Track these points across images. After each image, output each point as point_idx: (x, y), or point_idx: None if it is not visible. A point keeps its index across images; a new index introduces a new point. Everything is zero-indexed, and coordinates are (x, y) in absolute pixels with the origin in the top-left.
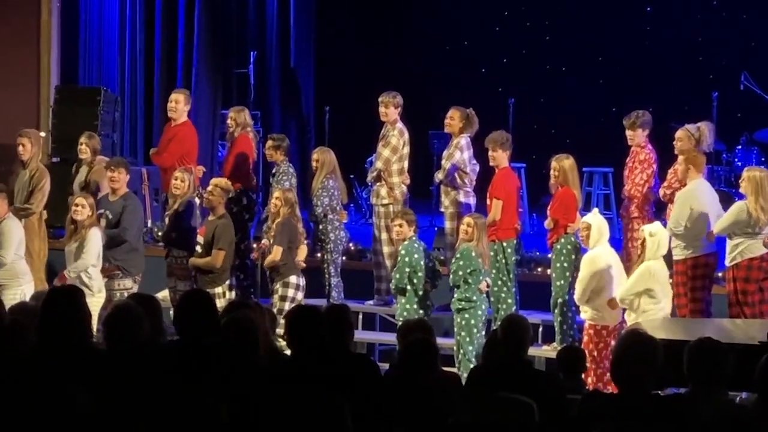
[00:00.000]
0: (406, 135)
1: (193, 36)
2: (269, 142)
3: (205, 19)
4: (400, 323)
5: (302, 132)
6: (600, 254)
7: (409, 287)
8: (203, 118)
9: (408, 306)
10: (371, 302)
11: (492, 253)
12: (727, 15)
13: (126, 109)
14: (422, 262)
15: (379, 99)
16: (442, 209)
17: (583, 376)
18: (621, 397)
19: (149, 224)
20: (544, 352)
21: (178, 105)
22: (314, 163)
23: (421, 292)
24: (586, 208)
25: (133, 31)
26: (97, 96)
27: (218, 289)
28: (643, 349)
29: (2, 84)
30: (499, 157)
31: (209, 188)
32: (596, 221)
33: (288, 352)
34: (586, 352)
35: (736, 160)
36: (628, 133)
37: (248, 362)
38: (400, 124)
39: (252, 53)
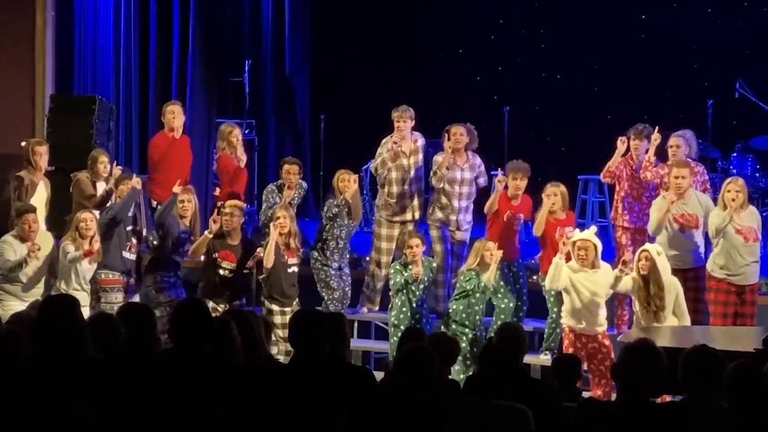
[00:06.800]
0: None
1: (188, 44)
2: (297, 168)
3: (200, 28)
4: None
5: (297, 141)
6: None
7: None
8: (198, 127)
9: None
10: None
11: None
12: (722, 23)
13: (121, 118)
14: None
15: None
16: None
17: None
18: (617, 405)
19: (144, 233)
20: (541, 360)
21: (179, 117)
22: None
23: None
24: (581, 216)
25: (127, 40)
26: (92, 105)
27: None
28: (649, 360)
29: None
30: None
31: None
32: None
33: (281, 359)
34: None
35: (731, 167)
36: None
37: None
38: None
39: (247, 62)
